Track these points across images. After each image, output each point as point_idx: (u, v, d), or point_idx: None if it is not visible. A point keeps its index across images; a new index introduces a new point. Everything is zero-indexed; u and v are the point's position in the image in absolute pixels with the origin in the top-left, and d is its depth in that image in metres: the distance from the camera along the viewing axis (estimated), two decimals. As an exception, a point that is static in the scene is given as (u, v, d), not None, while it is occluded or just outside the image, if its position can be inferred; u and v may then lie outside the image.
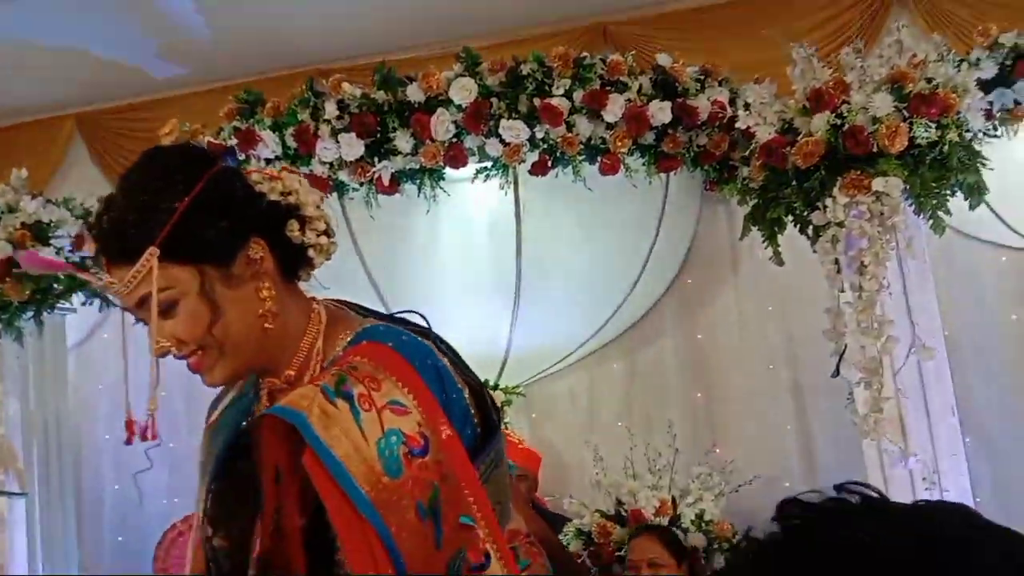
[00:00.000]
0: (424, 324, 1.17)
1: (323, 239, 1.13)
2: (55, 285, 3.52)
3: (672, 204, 3.59)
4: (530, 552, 1.28)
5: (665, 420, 3.88)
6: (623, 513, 3.54)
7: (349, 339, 1.10)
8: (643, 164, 3.28)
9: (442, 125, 3.03)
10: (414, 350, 1.06)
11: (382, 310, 1.25)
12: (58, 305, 3.65)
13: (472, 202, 3.32)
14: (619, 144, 3.13)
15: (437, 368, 1.06)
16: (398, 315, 1.21)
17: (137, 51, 4.28)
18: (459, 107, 3.04)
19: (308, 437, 0.95)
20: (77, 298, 3.70)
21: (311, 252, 1.12)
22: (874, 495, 0.85)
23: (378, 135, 3.12)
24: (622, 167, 3.21)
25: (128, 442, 1.67)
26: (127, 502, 4.40)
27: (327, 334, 1.12)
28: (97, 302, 3.75)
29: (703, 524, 3.33)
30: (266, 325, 1.07)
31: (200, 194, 1.03)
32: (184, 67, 4.43)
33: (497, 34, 4.00)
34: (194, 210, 1.02)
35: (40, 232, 3.47)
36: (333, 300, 1.21)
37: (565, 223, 3.44)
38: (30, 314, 3.51)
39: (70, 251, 3.60)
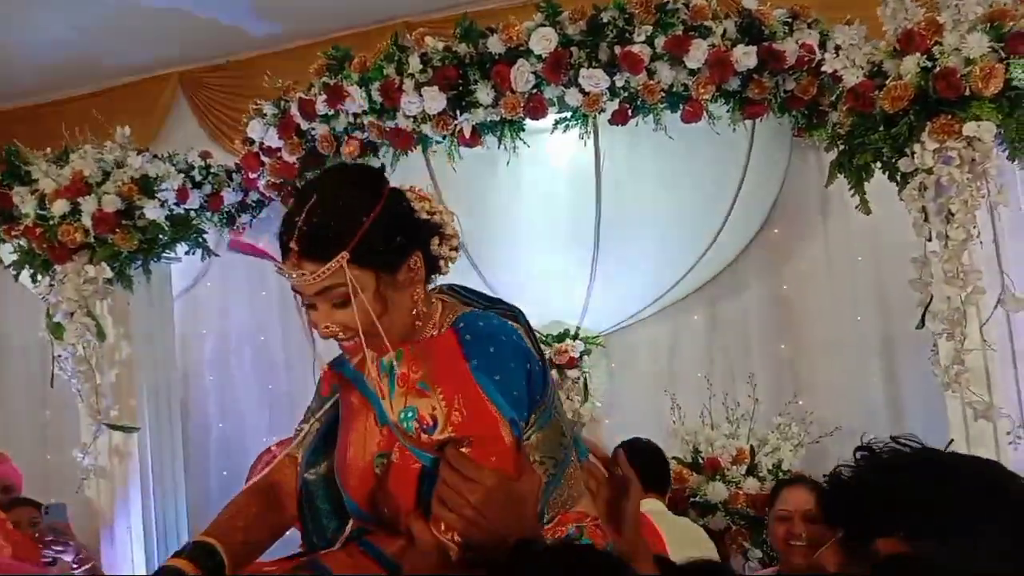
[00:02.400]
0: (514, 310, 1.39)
1: (455, 253, 1.36)
2: (161, 237, 3.74)
3: (758, 152, 3.51)
4: (595, 533, 1.31)
5: (746, 371, 3.88)
6: (699, 460, 3.58)
7: (451, 322, 1.30)
8: (727, 111, 3.22)
9: (522, 76, 3.05)
10: (503, 330, 1.27)
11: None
12: (164, 254, 3.88)
13: (552, 153, 3.34)
14: (702, 91, 3.07)
15: (521, 346, 1.26)
16: (496, 302, 1.41)
17: (234, 10, 4.43)
18: (539, 57, 3.05)
19: (374, 404, 1.23)
20: (181, 248, 3.92)
21: (442, 263, 1.35)
22: (917, 446, 1.06)
23: (460, 88, 3.17)
24: (705, 114, 3.16)
25: None
26: (230, 439, 4.70)
27: (441, 321, 1.33)
28: (200, 252, 3.97)
29: (780, 473, 3.33)
30: (417, 323, 1.29)
31: (382, 211, 1.23)
32: (277, 24, 4.56)
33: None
34: (377, 225, 1.22)
35: (146, 186, 3.68)
36: (445, 287, 1.41)
37: (646, 173, 3.42)
38: (139, 263, 3.74)
39: (175, 204, 3.81)
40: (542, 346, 1.45)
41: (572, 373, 3.78)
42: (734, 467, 3.42)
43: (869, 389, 3.84)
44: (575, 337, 3.87)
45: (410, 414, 1.19)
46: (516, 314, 1.37)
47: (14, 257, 3.74)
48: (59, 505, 3.30)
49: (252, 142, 3.74)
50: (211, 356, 4.82)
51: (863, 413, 3.75)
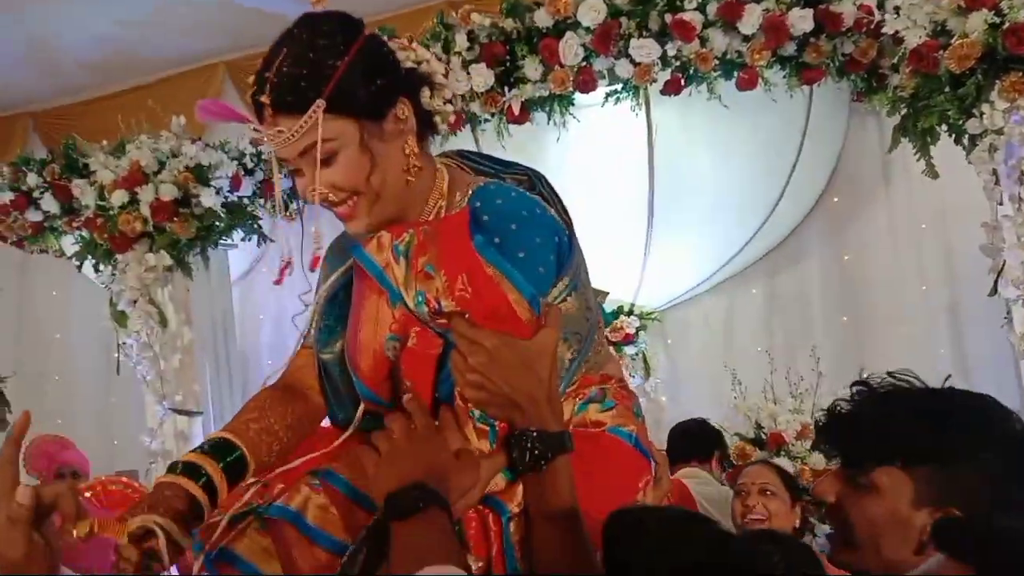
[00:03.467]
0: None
1: (448, 107, 1.22)
2: (217, 224, 3.79)
3: (816, 118, 3.42)
4: (619, 394, 1.24)
5: (808, 345, 3.78)
6: (763, 436, 3.51)
7: (468, 198, 1.18)
8: (783, 77, 3.13)
9: (570, 49, 3.00)
10: (523, 203, 1.17)
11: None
12: (221, 241, 3.93)
13: (602, 127, 3.29)
14: (757, 57, 3.00)
15: (546, 217, 1.16)
16: (510, 165, 1.29)
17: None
18: (587, 29, 3.00)
19: (385, 284, 1.15)
20: (237, 234, 3.97)
21: (437, 118, 1.21)
22: (914, 382, 1.09)
23: (507, 64, 3.13)
24: (760, 81, 3.08)
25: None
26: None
27: (449, 192, 1.21)
28: (255, 238, 4.01)
29: (847, 448, 3.25)
30: (409, 179, 1.17)
31: (357, 55, 1.12)
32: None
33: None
34: (354, 69, 1.11)
35: (200, 174, 3.72)
36: (454, 154, 1.29)
37: (700, 143, 3.35)
38: (197, 250, 3.80)
39: (229, 191, 3.85)
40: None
41: (629, 349, 3.75)
42: (798, 442, 3.35)
43: (936, 360, 3.73)
44: (630, 313, 3.83)
45: (420, 299, 1.11)
46: (534, 179, 1.27)
47: (76, 248, 3.83)
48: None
49: (302, 127, 3.74)
50: (268, 340, 4.89)
51: (930, 384, 3.63)
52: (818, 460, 3.33)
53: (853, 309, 3.92)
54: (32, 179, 3.90)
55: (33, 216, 3.95)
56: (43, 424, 4.51)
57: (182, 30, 4.66)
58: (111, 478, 3.20)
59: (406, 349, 1.15)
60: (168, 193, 3.60)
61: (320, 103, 1.09)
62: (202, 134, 4.37)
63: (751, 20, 2.96)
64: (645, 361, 3.90)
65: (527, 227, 1.14)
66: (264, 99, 1.10)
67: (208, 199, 3.67)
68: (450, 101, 1.23)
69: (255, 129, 1.13)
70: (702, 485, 2.93)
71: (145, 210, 3.57)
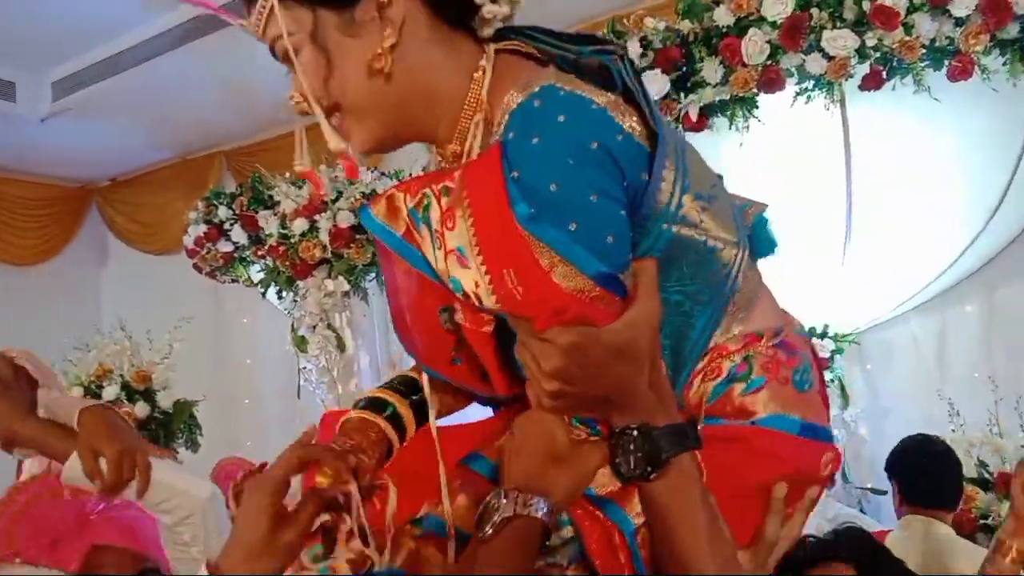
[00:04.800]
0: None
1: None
2: (391, 247, 3.83)
3: (1043, 109, 2.99)
4: (770, 363, 0.91)
5: (1037, 367, 3.33)
6: (987, 476, 3.08)
7: (513, 107, 0.86)
8: (1004, 63, 2.77)
9: (755, 46, 2.78)
10: (569, 138, 0.82)
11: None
12: (395, 266, 3.96)
13: (791, 129, 3.02)
14: (973, 42, 2.68)
15: (609, 154, 0.82)
16: (587, 40, 0.94)
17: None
18: (773, 24, 2.77)
19: (407, 256, 0.90)
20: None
21: (479, 23, 0.92)
22: None
23: (683, 68, 2.95)
24: (977, 70, 2.74)
25: None
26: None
27: (494, 94, 0.90)
28: (427, 262, 4.03)
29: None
30: (381, 84, 0.89)
31: None
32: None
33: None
34: None
35: (375, 200, 3.78)
36: (525, 31, 0.96)
37: (904, 143, 3.01)
38: (372, 275, 3.85)
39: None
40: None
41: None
42: (1034, 482, 2.90)
43: None
44: (823, 335, 3.50)
45: (456, 286, 0.85)
46: (612, 70, 0.88)
47: (261, 276, 3.98)
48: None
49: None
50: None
51: None
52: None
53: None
54: (223, 212, 4.11)
55: (224, 247, 4.15)
56: (234, 446, 4.71)
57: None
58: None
59: (461, 326, 0.90)
60: (345, 220, 3.67)
61: None
62: (378, 163, 4.48)
63: (965, 1, 2.63)
64: (842, 389, 3.55)
65: (574, 180, 0.81)
66: None
67: (383, 225, 3.71)
68: None
69: (239, 24, 0.96)
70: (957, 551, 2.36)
71: (324, 237, 3.66)
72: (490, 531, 0.82)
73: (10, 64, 4.91)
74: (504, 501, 0.83)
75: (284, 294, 3.89)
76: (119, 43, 4.74)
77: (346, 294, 3.76)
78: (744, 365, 0.91)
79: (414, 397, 1.01)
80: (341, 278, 3.69)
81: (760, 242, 1.02)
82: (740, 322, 0.93)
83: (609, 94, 0.87)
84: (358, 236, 3.73)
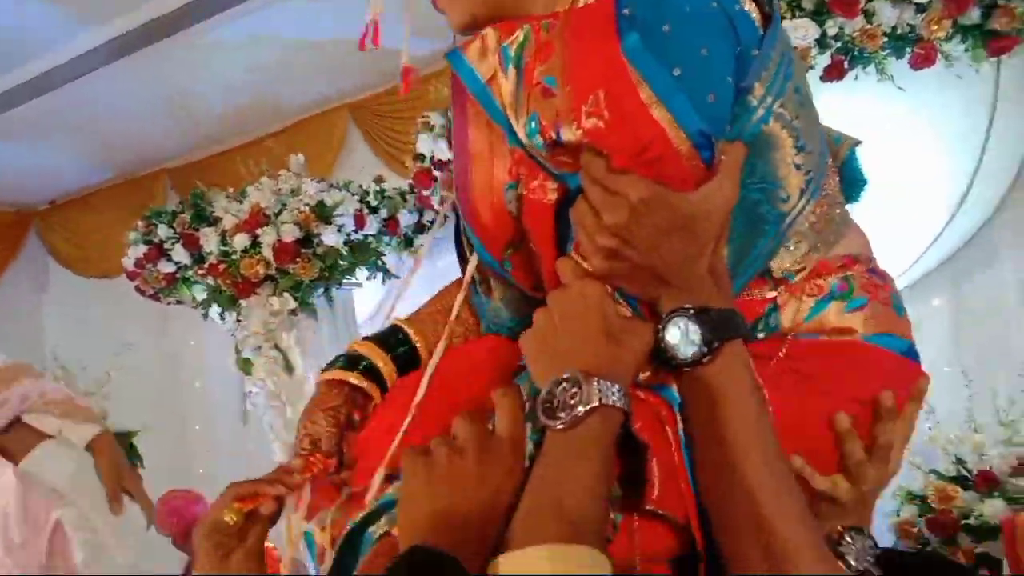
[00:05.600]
0: None
1: None
2: (340, 262, 3.66)
3: (1006, 96, 2.94)
4: (869, 285, 0.91)
5: (1012, 360, 3.25)
6: (966, 473, 2.99)
7: None
8: (966, 50, 2.70)
9: (711, 38, 2.67)
10: None
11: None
12: (344, 280, 3.79)
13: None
14: (935, 28, 2.60)
15: (716, 12, 0.79)
16: None
17: (395, 35, 4.34)
18: (730, 13, 2.67)
19: (486, 104, 0.85)
20: (362, 273, 3.82)
21: None
22: None
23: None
24: (939, 57, 2.66)
25: None
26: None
27: None
28: (380, 275, 3.86)
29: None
30: None
31: None
32: (438, 42, 4.43)
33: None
34: None
35: (323, 212, 3.61)
36: None
37: (868, 132, 2.91)
38: (320, 290, 3.68)
39: (353, 230, 3.72)
40: None
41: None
42: (1015, 479, 2.82)
43: None
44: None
45: (533, 124, 0.79)
46: None
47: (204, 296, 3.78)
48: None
49: (423, 158, 3.58)
50: (400, 383, 4.73)
51: None
52: (1049, 502, 2.79)
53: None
54: (163, 231, 3.90)
55: (165, 267, 3.94)
56: (185, 474, 4.49)
57: (310, 74, 4.62)
58: None
59: (523, 197, 0.86)
60: (289, 233, 3.50)
61: None
62: (328, 175, 4.31)
63: (926, -14, 2.56)
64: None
65: (689, 28, 0.76)
66: None
67: (330, 237, 3.55)
68: None
69: None
70: None
71: (267, 252, 3.48)
72: (566, 422, 0.73)
73: (-66, 86, 4.66)
74: (581, 389, 0.73)
75: (227, 315, 3.69)
76: (51, 59, 4.51)
77: (293, 312, 3.57)
78: (844, 285, 0.90)
79: (399, 350, 1.02)
80: (287, 295, 3.51)
81: (849, 184, 1.02)
82: (836, 245, 0.92)
83: None
84: (303, 251, 3.56)
